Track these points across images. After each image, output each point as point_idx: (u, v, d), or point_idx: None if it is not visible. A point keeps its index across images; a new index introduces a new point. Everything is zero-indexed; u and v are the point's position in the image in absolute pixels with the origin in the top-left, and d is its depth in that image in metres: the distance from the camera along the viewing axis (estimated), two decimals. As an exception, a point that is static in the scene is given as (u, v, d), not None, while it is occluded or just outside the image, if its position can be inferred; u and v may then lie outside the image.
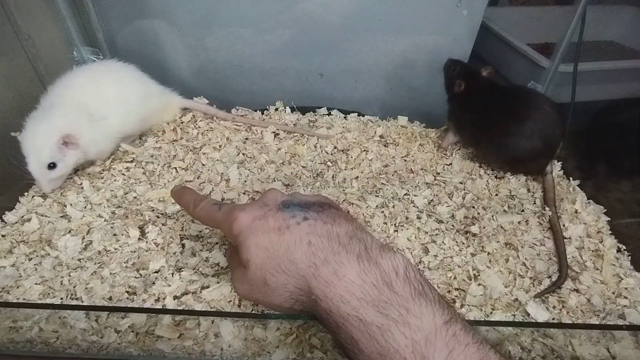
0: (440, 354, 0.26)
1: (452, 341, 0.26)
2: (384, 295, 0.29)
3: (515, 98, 0.59)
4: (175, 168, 0.59)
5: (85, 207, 0.52)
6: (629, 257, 0.51)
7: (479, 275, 0.46)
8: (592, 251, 0.51)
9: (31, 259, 0.46)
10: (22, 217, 0.52)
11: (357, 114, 0.73)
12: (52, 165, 0.50)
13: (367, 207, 0.54)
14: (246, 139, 0.66)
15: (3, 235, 0.49)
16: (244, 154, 0.62)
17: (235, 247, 0.37)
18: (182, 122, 0.68)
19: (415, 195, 0.56)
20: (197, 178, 0.58)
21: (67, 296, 0.43)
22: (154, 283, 0.44)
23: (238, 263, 0.36)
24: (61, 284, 0.44)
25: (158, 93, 0.64)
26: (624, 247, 0.52)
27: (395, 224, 0.52)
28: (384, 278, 0.29)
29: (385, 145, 0.66)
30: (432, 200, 0.56)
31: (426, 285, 0.30)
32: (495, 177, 0.61)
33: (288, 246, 0.32)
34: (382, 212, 0.53)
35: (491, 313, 0.43)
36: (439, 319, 0.28)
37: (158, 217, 0.52)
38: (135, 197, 0.54)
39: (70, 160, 0.52)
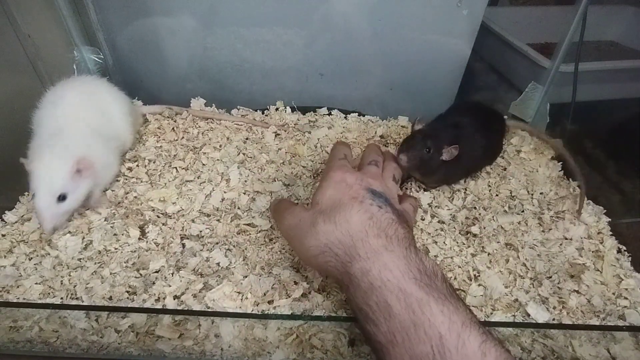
0: (475, 339, 0.27)
1: (484, 335, 0.28)
2: (425, 281, 0.30)
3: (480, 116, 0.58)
4: (176, 168, 0.59)
5: (85, 207, 0.52)
6: (630, 258, 0.51)
7: (479, 275, 0.46)
8: (593, 252, 0.51)
9: (31, 258, 0.47)
10: (22, 216, 0.52)
11: (357, 114, 0.73)
12: (62, 197, 0.45)
13: (368, 207, 0.54)
14: (246, 138, 0.66)
15: (3, 235, 0.49)
16: (244, 154, 0.62)
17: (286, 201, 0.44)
18: (182, 122, 0.68)
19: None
20: (198, 178, 0.58)
21: (67, 296, 0.43)
22: (154, 283, 0.44)
23: (294, 205, 0.41)
24: (61, 283, 0.44)
25: (132, 104, 0.65)
26: (624, 248, 0.52)
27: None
28: (426, 271, 0.31)
29: (385, 145, 0.66)
30: (433, 200, 0.56)
31: (459, 295, 0.32)
32: (498, 175, 0.61)
33: (351, 210, 0.35)
34: (383, 212, 0.53)
35: (491, 313, 0.43)
36: (472, 317, 0.29)
37: (158, 216, 0.52)
38: (135, 197, 0.54)
39: (83, 190, 0.47)
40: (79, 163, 0.46)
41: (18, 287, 0.44)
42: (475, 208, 0.55)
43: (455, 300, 0.30)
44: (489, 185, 0.59)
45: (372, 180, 0.39)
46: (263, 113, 0.71)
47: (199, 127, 0.67)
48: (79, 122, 0.51)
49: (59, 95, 0.52)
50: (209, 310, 0.42)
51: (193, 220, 0.51)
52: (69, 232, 0.49)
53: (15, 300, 0.42)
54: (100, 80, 0.60)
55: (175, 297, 0.43)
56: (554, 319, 0.43)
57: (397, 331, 0.28)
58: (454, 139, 0.51)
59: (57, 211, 0.45)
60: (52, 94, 0.53)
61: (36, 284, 0.44)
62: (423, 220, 0.53)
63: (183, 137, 0.65)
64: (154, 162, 0.60)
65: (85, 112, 0.52)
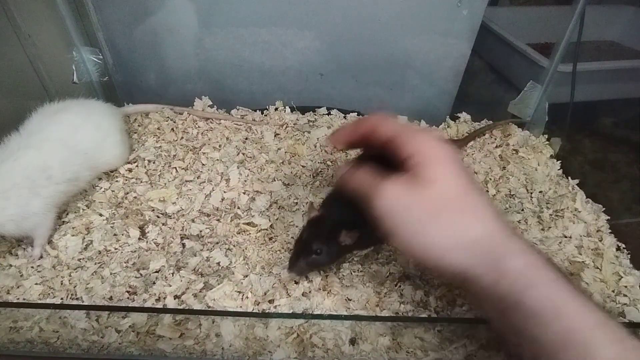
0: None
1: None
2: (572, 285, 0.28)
3: None
4: (176, 168, 0.59)
5: (86, 207, 0.52)
6: (629, 256, 0.51)
7: (479, 274, 0.47)
8: (592, 250, 0.51)
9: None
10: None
11: (356, 113, 0.73)
12: None
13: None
14: (246, 138, 0.66)
15: (3, 236, 0.49)
16: (243, 154, 0.62)
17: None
18: (182, 122, 0.68)
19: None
20: (197, 178, 0.58)
21: (67, 296, 0.43)
22: (154, 283, 0.44)
23: (386, 178, 0.31)
24: (61, 284, 0.44)
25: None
26: (624, 246, 0.52)
27: (395, 223, 0.52)
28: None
29: (385, 145, 0.66)
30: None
31: None
32: (497, 174, 0.61)
33: (489, 203, 0.30)
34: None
35: (491, 312, 0.43)
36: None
37: (158, 216, 0.52)
38: (135, 197, 0.54)
39: None
40: None
41: (18, 287, 0.43)
42: (474, 207, 0.55)
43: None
44: (488, 184, 0.59)
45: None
46: (262, 113, 0.71)
47: (199, 127, 0.67)
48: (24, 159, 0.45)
49: (31, 125, 0.49)
50: (210, 309, 0.42)
51: (193, 220, 0.51)
52: (70, 232, 0.49)
53: (15, 301, 0.42)
54: (95, 106, 0.56)
55: (175, 296, 0.43)
56: (554, 317, 0.43)
57: (572, 332, 0.25)
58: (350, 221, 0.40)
59: None
60: (30, 122, 0.49)
61: (36, 284, 0.44)
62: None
63: (182, 138, 0.65)
64: (153, 163, 0.60)
65: (50, 150, 0.47)
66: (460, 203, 0.30)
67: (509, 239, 0.29)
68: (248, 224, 0.51)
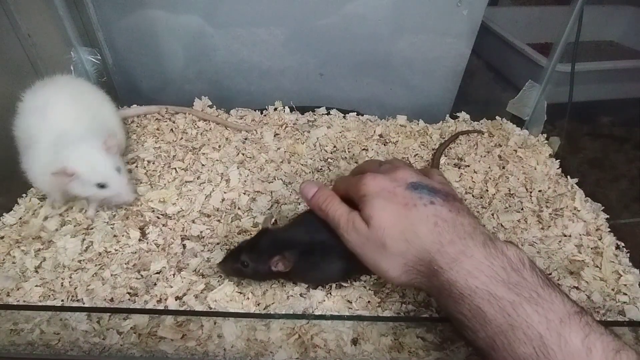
0: (577, 335, 0.26)
1: (586, 328, 0.27)
2: (513, 279, 0.29)
3: None
4: (175, 168, 0.59)
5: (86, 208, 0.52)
6: (628, 254, 0.51)
7: (479, 273, 0.47)
8: (592, 248, 0.51)
9: (31, 260, 0.46)
10: (21, 218, 0.51)
11: (355, 113, 0.73)
12: (118, 170, 0.49)
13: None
14: (245, 138, 0.66)
15: (2, 237, 0.49)
16: (243, 154, 0.62)
17: (346, 200, 0.39)
18: (181, 123, 0.68)
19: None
20: (197, 178, 0.57)
21: (68, 298, 0.43)
22: (155, 284, 0.44)
23: (354, 216, 0.37)
24: (62, 285, 0.44)
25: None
26: (623, 245, 0.52)
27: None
28: (511, 265, 0.30)
29: (384, 144, 0.66)
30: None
31: (552, 280, 0.31)
32: (496, 174, 0.61)
33: (413, 221, 0.34)
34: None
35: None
36: (570, 307, 0.28)
37: (158, 217, 0.52)
38: (135, 198, 0.54)
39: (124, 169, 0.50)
40: (104, 142, 0.48)
41: (18, 289, 0.43)
42: (474, 206, 0.55)
43: (549, 292, 0.29)
44: (487, 184, 0.60)
45: (401, 174, 0.37)
46: (262, 113, 0.71)
47: (198, 127, 0.67)
48: (75, 122, 0.51)
49: (45, 100, 0.51)
50: (211, 310, 0.42)
51: (193, 221, 0.51)
52: (70, 233, 0.49)
53: (15, 303, 0.42)
54: (82, 80, 0.60)
55: (177, 298, 0.43)
56: (554, 316, 0.43)
57: (496, 335, 0.28)
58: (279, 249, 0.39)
59: (124, 180, 0.49)
60: (36, 99, 0.51)
61: (36, 286, 0.44)
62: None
63: (182, 138, 0.65)
64: (153, 163, 0.60)
65: (78, 113, 0.52)
66: (393, 233, 0.34)
67: (440, 253, 0.32)
68: (249, 224, 0.51)
